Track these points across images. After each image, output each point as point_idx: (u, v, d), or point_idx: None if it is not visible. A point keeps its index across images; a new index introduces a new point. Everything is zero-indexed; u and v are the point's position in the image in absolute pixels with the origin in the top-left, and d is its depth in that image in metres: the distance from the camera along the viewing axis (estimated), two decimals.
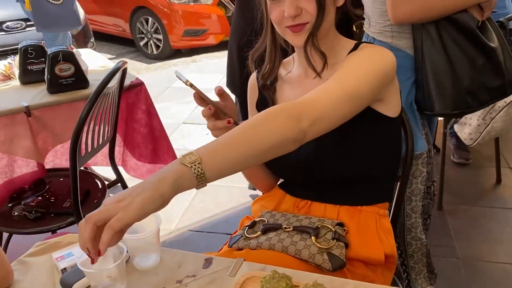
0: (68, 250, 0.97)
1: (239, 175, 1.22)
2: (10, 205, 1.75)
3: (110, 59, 5.61)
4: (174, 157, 2.10)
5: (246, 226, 1.11)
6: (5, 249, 1.84)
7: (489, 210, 2.37)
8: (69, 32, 4.11)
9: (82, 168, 1.88)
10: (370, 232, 1.08)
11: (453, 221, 2.29)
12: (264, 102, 1.17)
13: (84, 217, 0.71)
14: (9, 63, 2.13)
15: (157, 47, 5.80)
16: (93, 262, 0.73)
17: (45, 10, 3.66)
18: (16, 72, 2.05)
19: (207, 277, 0.89)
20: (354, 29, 1.52)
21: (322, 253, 0.98)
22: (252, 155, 0.80)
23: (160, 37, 5.70)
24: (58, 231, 1.67)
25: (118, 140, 2.05)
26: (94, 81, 1.89)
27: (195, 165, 0.73)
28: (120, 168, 2.09)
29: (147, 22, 5.80)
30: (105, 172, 2.35)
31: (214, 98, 0.98)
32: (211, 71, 5.08)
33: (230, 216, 2.43)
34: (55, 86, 1.86)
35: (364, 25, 1.37)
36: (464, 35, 1.23)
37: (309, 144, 1.06)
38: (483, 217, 2.31)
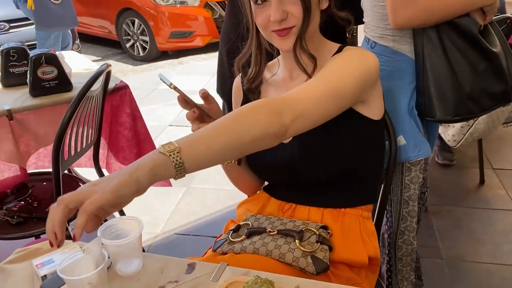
0: (48, 256, 0.95)
1: (227, 178, 1.22)
2: None
3: (95, 61, 5.59)
4: None
5: (231, 230, 1.10)
6: None
7: (472, 211, 2.40)
8: (69, 30, 4.08)
9: (65, 171, 1.86)
10: (354, 234, 1.08)
11: (437, 221, 2.32)
12: None
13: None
14: None
15: (144, 49, 5.77)
16: (51, 245, 0.70)
17: (47, 9, 3.66)
18: None
19: (190, 282, 0.89)
20: (347, 34, 1.51)
21: (306, 257, 0.98)
22: (233, 147, 0.80)
23: (147, 39, 5.68)
24: (41, 236, 1.65)
25: (103, 143, 2.04)
26: (78, 84, 1.86)
27: (174, 153, 0.73)
28: (104, 171, 2.07)
29: (133, 23, 5.76)
30: (89, 174, 2.32)
31: (199, 101, 0.98)
32: (197, 73, 5.06)
33: (217, 219, 2.42)
34: (38, 89, 1.83)
35: (364, 29, 1.36)
36: (466, 39, 1.21)
37: (292, 144, 1.07)
38: (466, 217, 2.34)
